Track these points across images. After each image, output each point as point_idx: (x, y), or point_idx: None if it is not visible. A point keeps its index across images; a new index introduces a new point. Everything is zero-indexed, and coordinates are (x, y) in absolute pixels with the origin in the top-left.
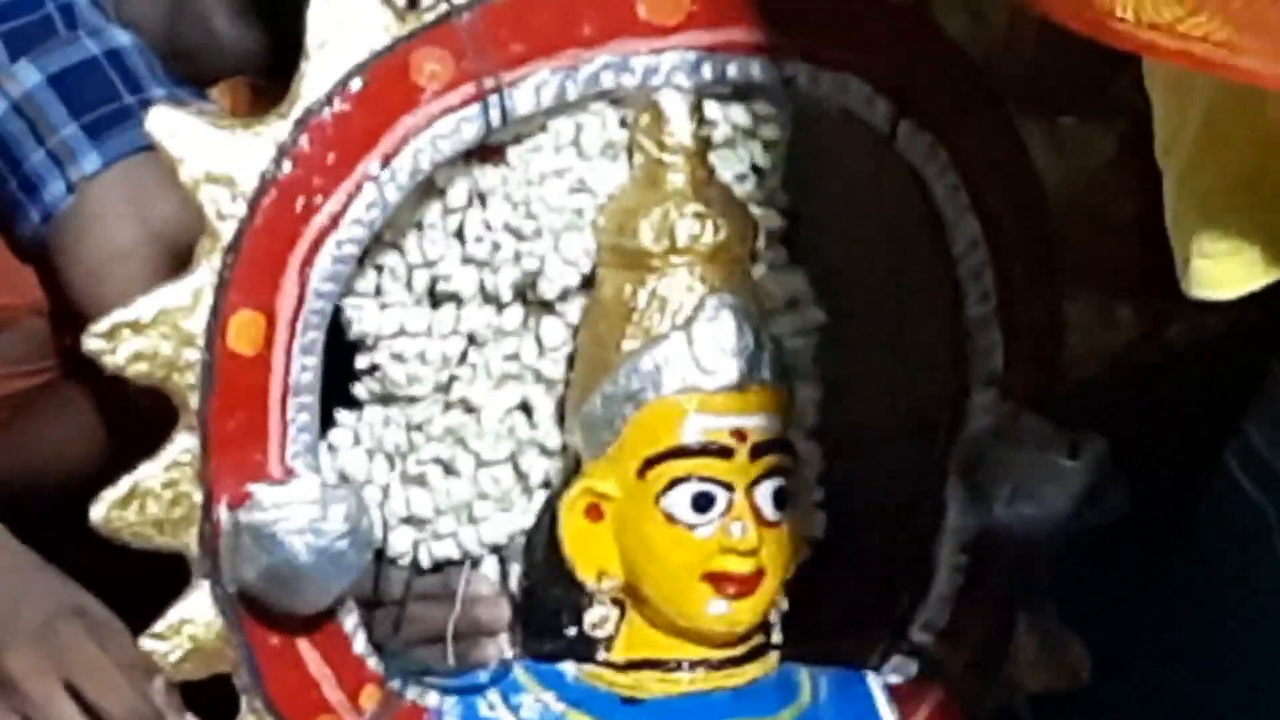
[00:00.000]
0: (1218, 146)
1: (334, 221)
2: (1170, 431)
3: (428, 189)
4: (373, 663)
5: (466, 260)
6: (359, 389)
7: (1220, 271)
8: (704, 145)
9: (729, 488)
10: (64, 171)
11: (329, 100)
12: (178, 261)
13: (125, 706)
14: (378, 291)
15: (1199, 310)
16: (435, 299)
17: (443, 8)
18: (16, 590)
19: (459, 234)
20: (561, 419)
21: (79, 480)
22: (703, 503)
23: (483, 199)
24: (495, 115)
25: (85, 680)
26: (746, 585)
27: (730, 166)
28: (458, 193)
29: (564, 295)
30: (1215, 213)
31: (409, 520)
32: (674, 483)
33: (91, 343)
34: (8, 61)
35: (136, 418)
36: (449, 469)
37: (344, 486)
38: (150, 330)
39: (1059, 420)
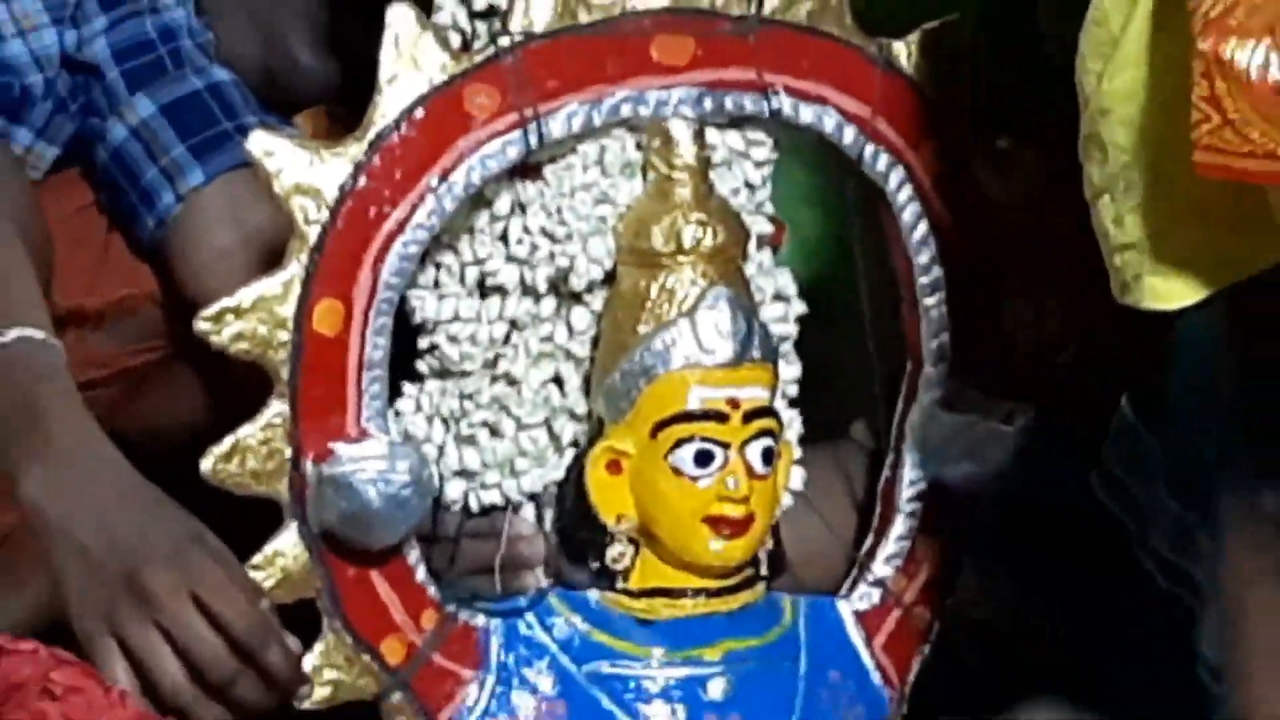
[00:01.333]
0: (1172, 186)
1: (401, 226)
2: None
3: (478, 200)
4: (432, 590)
5: (510, 259)
6: (421, 365)
7: (1172, 286)
8: (705, 165)
9: (725, 446)
10: (174, 185)
11: (397, 126)
12: (270, 259)
13: (244, 619)
14: (436, 284)
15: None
16: (484, 291)
17: (490, 50)
18: (152, 520)
19: (503, 237)
20: (587, 390)
21: (189, 438)
22: (703, 459)
23: (523, 208)
24: (533, 139)
25: (210, 596)
26: (739, 527)
27: (727, 182)
28: (502, 203)
29: (590, 288)
30: (1170, 238)
31: (461, 473)
32: (680, 442)
33: (201, 325)
34: (127, 95)
35: (236, 387)
36: (495, 431)
37: (408, 445)
38: (249, 315)
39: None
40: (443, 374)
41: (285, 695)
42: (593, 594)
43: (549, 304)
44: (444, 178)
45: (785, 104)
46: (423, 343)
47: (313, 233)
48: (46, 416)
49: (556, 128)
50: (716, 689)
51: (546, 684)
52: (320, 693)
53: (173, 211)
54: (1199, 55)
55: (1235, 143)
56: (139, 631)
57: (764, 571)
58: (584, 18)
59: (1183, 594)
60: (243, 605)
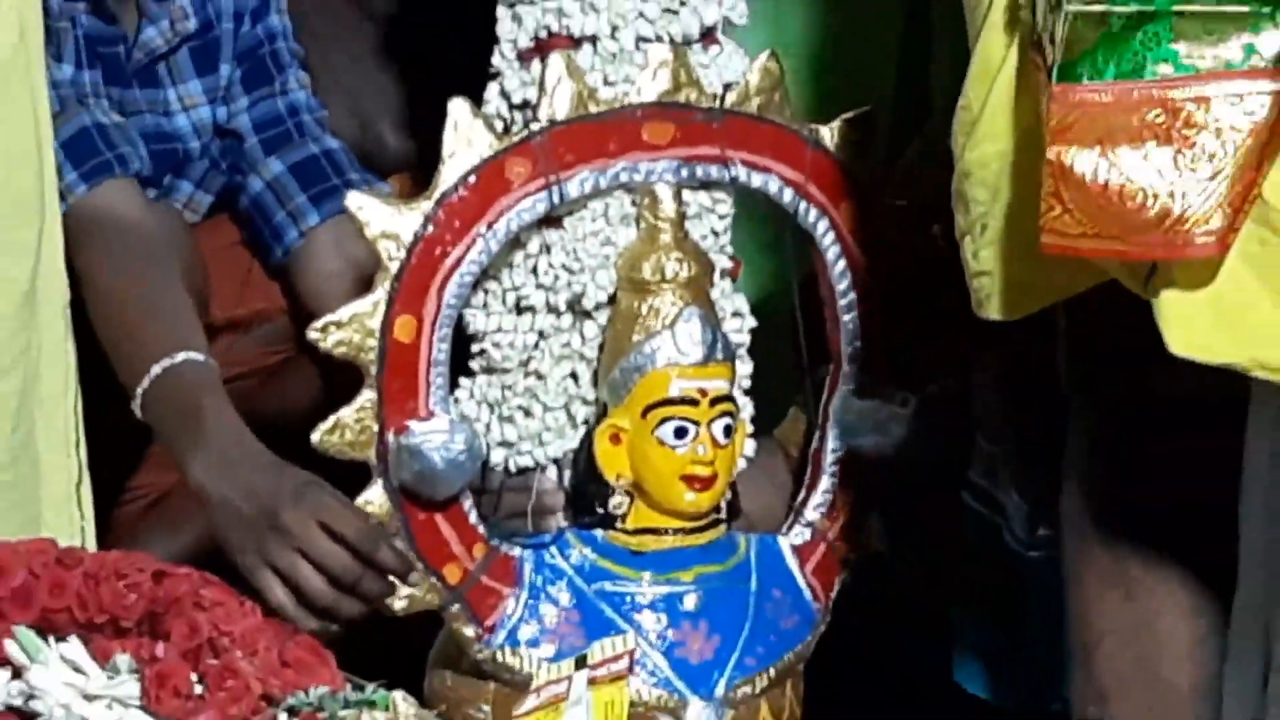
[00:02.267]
0: (1016, 231)
1: (458, 262)
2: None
3: (514, 242)
4: (481, 529)
5: (539, 286)
6: (473, 364)
7: (1014, 303)
8: (682, 217)
9: (696, 424)
10: (297, 224)
11: (456, 189)
12: (363, 284)
13: (358, 531)
14: (484, 305)
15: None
16: (519, 309)
17: (524, 133)
18: (281, 477)
19: (534, 270)
20: (596, 382)
21: (306, 417)
22: (680, 433)
23: (548, 249)
24: (555, 198)
25: (331, 519)
26: (707, 483)
27: (698, 230)
28: (533, 245)
29: (598, 307)
30: (1014, 269)
31: (502, 444)
32: (663, 421)
33: (311, 334)
34: (263, 157)
35: (338, 381)
36: (527, 413)
37: (464, 422)
38: (347, 327)
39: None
40: (489, 370)
41: (400, 582)
42: (599, 532)
43: (567, 319)
44: (490, 227)
45: (741, 172)
46: (474, 348)
47: (394, 266)
48: (205, 419)
49: (573, 190)
50: (690, 602)
51: (565, 599)
52: (399, 604)
53: (296, 245)
54: (1047, 161)
55: (1073, 226)
56: (284, 558)
57: (724, 516)
58: (593, 109)
59: (1039, 561)
60: (355, 522)
